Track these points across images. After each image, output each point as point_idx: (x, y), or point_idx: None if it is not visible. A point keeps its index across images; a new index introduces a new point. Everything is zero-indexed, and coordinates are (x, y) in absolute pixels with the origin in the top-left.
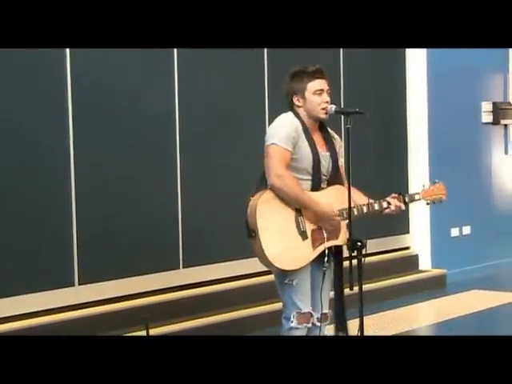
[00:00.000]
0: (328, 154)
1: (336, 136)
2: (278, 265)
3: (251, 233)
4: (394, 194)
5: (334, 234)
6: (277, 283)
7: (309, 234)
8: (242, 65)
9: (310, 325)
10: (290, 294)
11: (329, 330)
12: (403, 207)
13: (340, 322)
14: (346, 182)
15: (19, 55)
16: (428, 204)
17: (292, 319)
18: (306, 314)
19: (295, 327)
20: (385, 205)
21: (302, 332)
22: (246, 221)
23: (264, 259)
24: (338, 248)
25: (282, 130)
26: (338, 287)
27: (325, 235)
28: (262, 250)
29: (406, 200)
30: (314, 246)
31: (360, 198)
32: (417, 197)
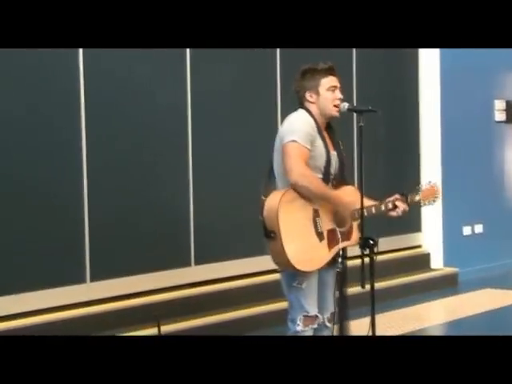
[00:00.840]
0: (335, 153)
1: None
2: (297, 266)
3: (270, 233)
4: (397, 196)
5: (346, 235)
6: (284, 285)
7: (325, 235)
8: (254, 63)
9: (315, 325)
10: (297, 297)
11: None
12: (407, 209)
13: (343, 321)
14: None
15: (33, 54)
16: (424, 205)
17: (298, 322)
18: (313, 317)
19: (301, 330)
20: (390, 206)
21: (308, 334)
22: (263, 222)
23: (283, 260)
24: (344, 248)
25: (301, 128)
26: (342, 287)
27: (339, 236)
28: (284, 251)
29: (408, 201)
30: (330, 247)
31: (368, 201)
32: (417, 198)
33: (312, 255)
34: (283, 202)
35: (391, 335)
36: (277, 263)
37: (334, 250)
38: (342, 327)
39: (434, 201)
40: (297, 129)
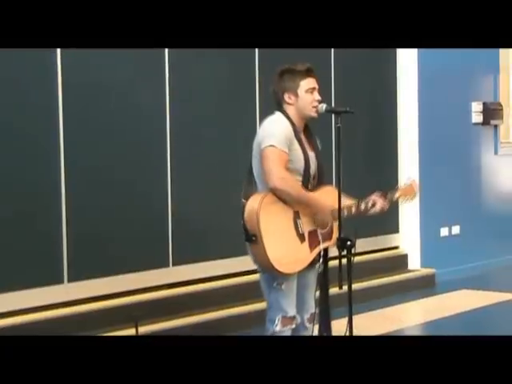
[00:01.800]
0: (313, 154)
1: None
2: (279, 268)
3: (251, 237)
4: (377, 193)
5: (327, 236)
6: (263, 285)
7: (306, 236)
8: (232, 63)
9: (293, 326)
10: (277, 298)
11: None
12: (387, 206)
13: (324, 322)
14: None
15: (10, 54)
16: (401, 202)
17: (277, 322)
18: (291, 317)
19: (279, 330)
20: (370, 204)
21: (286, 334)
22: (244, 225)
23: (265, 263)
24: (325, 248)
25: (278, 132)
26: (324, 287)
27: (320, 237)
28: (266, 255)
29: (388, 198)
30: (311, 248)
31: (348, 200)
32: (396, 194)
33: (294, 257)
34: (264, 205)
35: (368, 335)
36: (257, 264)
37: (316, 251)
38: (325, 327)
39: (412, 198)
40: (274, 133)
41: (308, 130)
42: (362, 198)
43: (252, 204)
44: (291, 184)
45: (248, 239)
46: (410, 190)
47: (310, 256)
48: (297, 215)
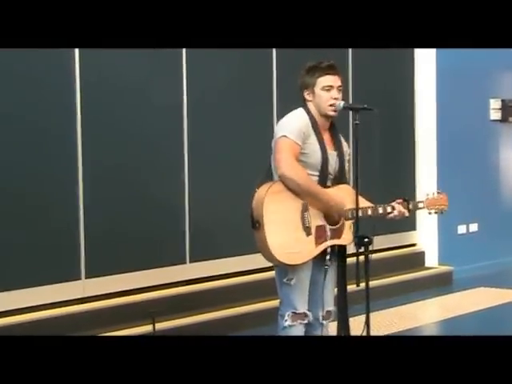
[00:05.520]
0: (335, 153)
1: (343, 140)
2: (279, 258)
3: (255, 224)
4: (399, 200)
5: (337, 233)
6: (276, 280)
7: (313, 230)
8: (250, 61)
9: (305, 321)
10: (287, 293)
11: (331, 328)
12: (407, 214)
13: (342, 321)
14: (350, 184)
15: (29, 54)
16: (430, 214)
17: (286, 318)
18: (301, 314)
19: (289, 325)
20: (389, 209)
21: (297, 329)
22: (251, 211)
23: (266, 251)
24: (342, 247)
25: (293, 124)
26: (342, 286)
27: (328, 233)
28: (266, 242)
29: (410, 207)
30: (317, 242)
31: (364, 203)
32: (420, 205)
33: (296, 249)
34: (270, 192)
35: (385, 335)
36: (262, 255)
37: (322, 246)
38: (343, 325)
39: (442, 210)
40: (288, 125)
41: (334, 128)
42: (382, 203)
43: (260, 191)
44: (300, 173)
45: (253, 226)
46: (439, 201)
47: (314, 250)
48: (305, 207)
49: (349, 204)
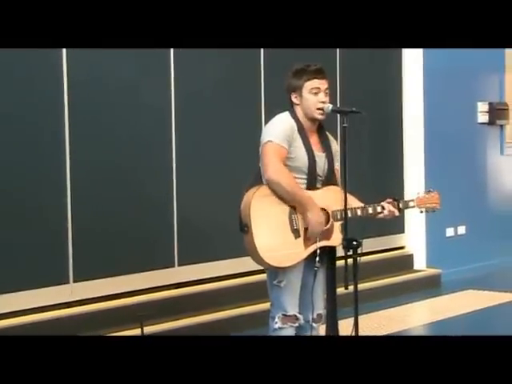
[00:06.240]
0: (324, 154)
1: (333, 139)
2: (268, 261)
3: (244, 227)
4: (389, 200)
5: (326, 235)
6: (267, 282)
7: (301, 232)
8: (238, 62)
9: (296, 324)
10: (277, 295)
11: (321, 331)
12: (397, 213)
13: (331, 323)
14: (340, 185)
15: (16, 54)
16: (421, 212)
17: (277, 320)
18: (291, 316)
19: (279, 327)
20: (379, 209)
21: (288, 331)
22: (239, 215)
23: (255, 254)
24: (332, 248)
25: (278, 128)
26: (331, 288)
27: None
28: (254, 245)
29: (401, 206)
30: (306, 245)
31: (354, 202)
32: (411, 204)
33: (284, 251)
34: (257, 196)
35: (374, 335)
36: (252, 258)
37: (311, 248)
38: (331, 327)
39: (433, 208)
40: (273, 130)
41: (321, 131)
42: (371, 203)
43: (247, 195)
44: (286, 178)
45: (241, 229)
46: (434, 198)
47: (304, 252)
48: (293, 210)
49: (337, 205)
